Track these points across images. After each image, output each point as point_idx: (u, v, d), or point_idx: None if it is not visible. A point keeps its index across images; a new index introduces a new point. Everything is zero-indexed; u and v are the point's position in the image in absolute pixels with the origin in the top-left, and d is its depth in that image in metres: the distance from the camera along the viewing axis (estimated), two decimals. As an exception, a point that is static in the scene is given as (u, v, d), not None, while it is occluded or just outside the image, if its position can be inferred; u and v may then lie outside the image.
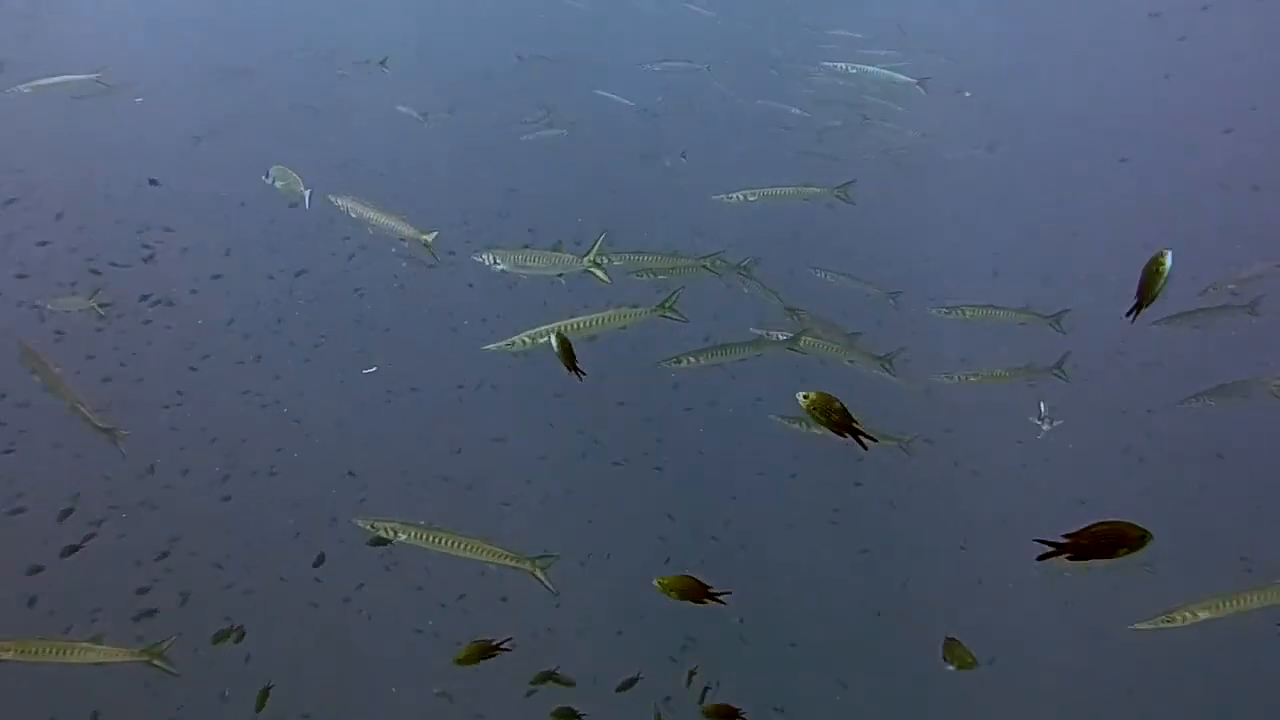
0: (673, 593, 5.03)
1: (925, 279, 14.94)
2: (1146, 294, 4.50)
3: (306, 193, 8.02)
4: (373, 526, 6.20)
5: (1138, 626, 5.40)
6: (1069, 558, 3.84)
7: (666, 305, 6.56)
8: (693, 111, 20.58)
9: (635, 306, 6.52)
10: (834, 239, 16.21)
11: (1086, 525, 3.83)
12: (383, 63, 15.74)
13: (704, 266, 7.92)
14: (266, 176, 8.04)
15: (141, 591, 10.27)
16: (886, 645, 13.27)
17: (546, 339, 6.00)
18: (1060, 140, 22.31)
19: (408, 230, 7.46)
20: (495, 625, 12.06)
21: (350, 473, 13.29)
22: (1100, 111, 22.51)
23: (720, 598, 5.06)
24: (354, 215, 7.57)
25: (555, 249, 6.94)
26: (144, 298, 13.11)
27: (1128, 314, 4.65)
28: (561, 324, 6.22)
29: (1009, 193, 21.37)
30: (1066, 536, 3.83)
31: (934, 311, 9.24)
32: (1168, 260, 4.35)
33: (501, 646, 5.42)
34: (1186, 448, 14.31)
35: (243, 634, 8.02)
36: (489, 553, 5.99)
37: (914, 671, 12.85)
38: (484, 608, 12.24)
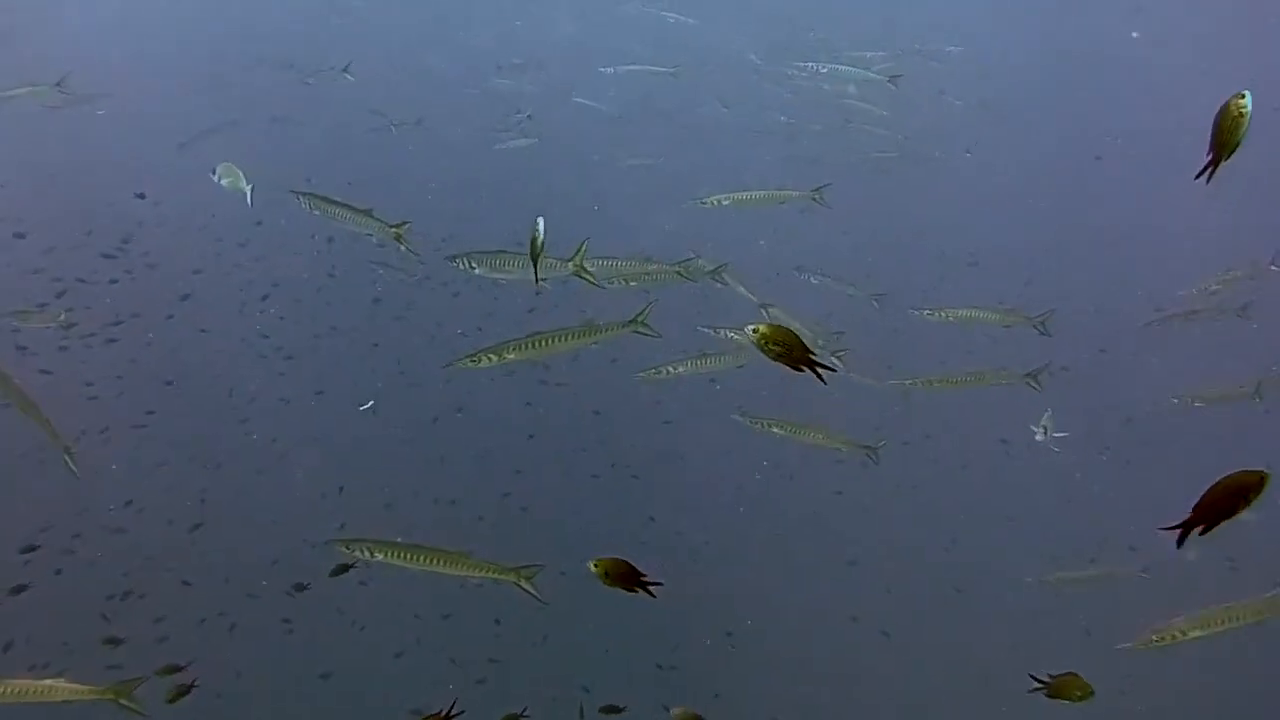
0: (605, 575, 4.89)
1: (908, 281, 14.87)
2: (1226, 144, 3.59)
3: (248, 188, 7.90)
4: (347, 547, 6.03)
5: (1125, 646, 5.28)
6: (1200, 532, 3.64)
7: (639, 320, 6.42)
8: (671, 117, 20.47)
9: (608, 322, 6.37)
10: (815, 241, 16.12)
11: (1201, 496, 3.58)
12: (345, 70, 15.58)
13: (677, 273, 7.80)
14: (213, 174, 7.94)
15: (108, 619, 10.03)
16: (880, 656, 13.15)
17: (513, 355, 5.86)
18: (1045, 139, 22.32)
19: (375, 225, 7.24)
20: (477, 642, 11.95)
21: (340, 488, 13.04)
22: (1083, 108, 22.54)
23: (650, 588, 4.89)
24: (318, 213, 7.36)
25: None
26: (115, 316, 12.84)
27: (1199, 174, 3.69)
28: (532, 339, 6.07)
29: (989, 193, 21.36)
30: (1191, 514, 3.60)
31: (917, 314, 9.11)
32: (1248, 101, 3.45)
33: (451, 716, 5.06)
34: (1171, 449, 14.26)
35: (190, 688, 7.47)
36: (473, 566, 5.85)
37: (911, 682, 12.79)
38: (467, 625, 12.06)
